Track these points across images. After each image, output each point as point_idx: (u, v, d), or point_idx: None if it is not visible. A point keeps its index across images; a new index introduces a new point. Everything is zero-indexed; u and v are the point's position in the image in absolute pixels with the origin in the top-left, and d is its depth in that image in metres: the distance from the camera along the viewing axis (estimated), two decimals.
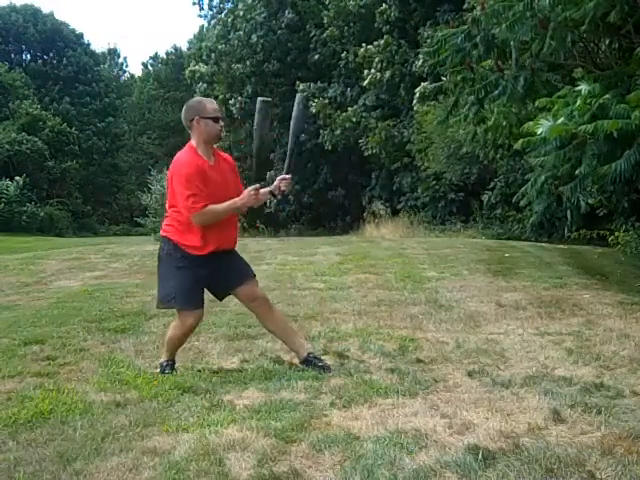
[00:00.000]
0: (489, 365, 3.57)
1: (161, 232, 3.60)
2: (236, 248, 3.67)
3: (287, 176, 3.52)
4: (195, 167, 3.37)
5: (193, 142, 3.47)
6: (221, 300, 3.86)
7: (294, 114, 3.63)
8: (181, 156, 3.46)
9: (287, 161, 3.62)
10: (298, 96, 3.70)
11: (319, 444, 2.44)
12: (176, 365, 3.64)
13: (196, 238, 3.41)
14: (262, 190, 3.46)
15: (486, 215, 15.36)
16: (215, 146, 3.57)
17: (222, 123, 3.50)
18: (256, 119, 3.56)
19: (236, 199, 3.40)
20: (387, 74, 18.59)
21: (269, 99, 3.81)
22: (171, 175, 3.47)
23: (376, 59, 18.81)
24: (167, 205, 3.55)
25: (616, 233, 9.15)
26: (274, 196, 3.57)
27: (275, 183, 3.52)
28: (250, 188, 3.42)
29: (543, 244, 11.00)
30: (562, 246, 10.27)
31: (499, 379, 3.26)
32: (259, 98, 3.68)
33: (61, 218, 31.21)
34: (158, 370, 3.58)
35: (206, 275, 3.49)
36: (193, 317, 3.52)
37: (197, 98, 3.74)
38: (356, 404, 2.92)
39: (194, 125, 3.44)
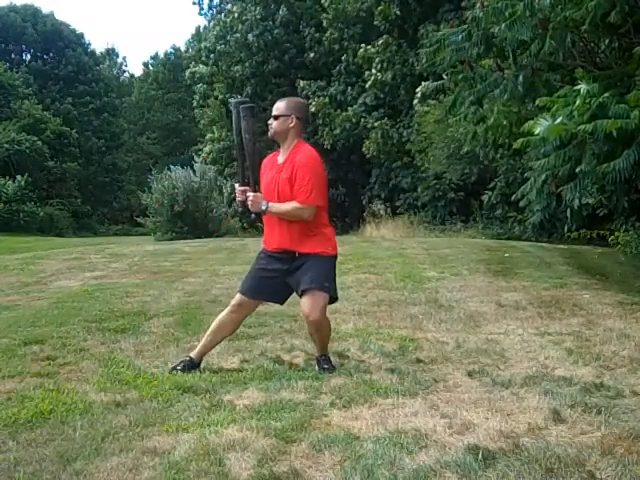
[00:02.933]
0: (489, 365, 3.57)
1: None
2: (310, 254, 3.48)
3: (239, 188, 3.55)
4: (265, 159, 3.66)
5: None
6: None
7: (233, 126, 3.63)
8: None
9: (241, 174, 3.62)
10: (234, 107, 3.62)
11: (319, 444, 2.44)
12: (201, 366, 3.63)
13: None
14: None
15: (486, 215, 15.37)
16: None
17: (270, 121, 3.53)
18: (242, 125, 3.53)
19: None
20: (388, 75, 18.59)
21: (243, 100, 3.82)
22: None
23: (376, 59, 18.81)
24: None
25: (616, 233, 9.15)
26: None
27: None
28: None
29: (543, 244, 11.00)
30: (562, 246, 10.27)
31: (499, 379, 3.26)
32: (233, 101, 3.70)
33: (61, 218, 31.24)
34: (171, 366, 3.61)
35: (267, 268, 3.55)
36: (238, 297, 3.60)
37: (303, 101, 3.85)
38: (356, 404, 2.92)
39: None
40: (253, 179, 3.56)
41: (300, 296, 3.49)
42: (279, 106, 3.53)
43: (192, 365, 3.60)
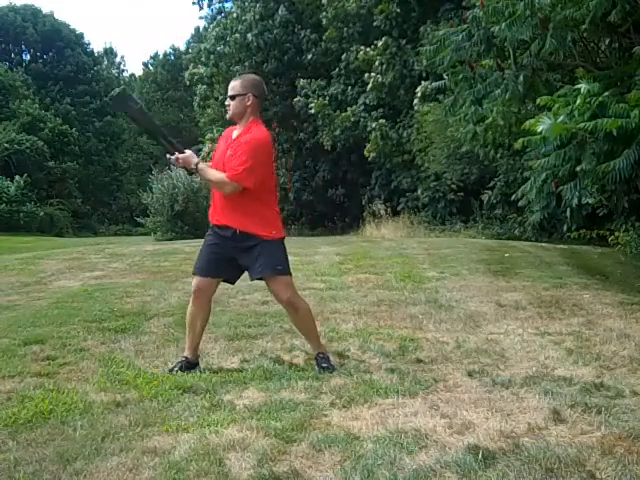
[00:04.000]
0: (489, 365, 3.57)
1: None
2: (257, 239, 3.51)
3: (172, 157, 3.58)
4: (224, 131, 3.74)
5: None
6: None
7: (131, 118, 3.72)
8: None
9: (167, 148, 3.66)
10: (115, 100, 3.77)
11: (319, 444, 2.44)
12: (200, 366, 3.65)
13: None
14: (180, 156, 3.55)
15: (486, 215, 15.36)
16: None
17: (227, 102, 3.58)
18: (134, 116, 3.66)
19: None
20: (389, 76, 18.57)
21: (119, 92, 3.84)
22: None
23: (376, 62, 18.79)
24: None
25: (616, 233, 9.15)
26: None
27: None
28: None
29: (543, 244, 11.00)
30: (562, 246, 10.27)
31: (499, 379, 3.26)
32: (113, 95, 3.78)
33: (61, 218, 31.24)
34: (170, 367, 3.61)
35: (213, 244, 3.58)
36: (194, 281, 3.61)
37: (256, 77, 3.75)
38: (356, 404, 2.92)
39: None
40: (170, 144, 3.61)
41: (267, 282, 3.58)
42: (234, 85, 3.54)
43: (189, 365, 3.61)
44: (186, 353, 3.67)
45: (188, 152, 3.55)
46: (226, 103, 3.58)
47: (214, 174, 3.52)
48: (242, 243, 3.51)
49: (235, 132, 3.60)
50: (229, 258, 3.56)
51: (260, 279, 3.59)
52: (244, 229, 3.50)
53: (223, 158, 3.55)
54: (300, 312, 3.62)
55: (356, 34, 20.56)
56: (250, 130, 3.51)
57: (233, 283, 3.86)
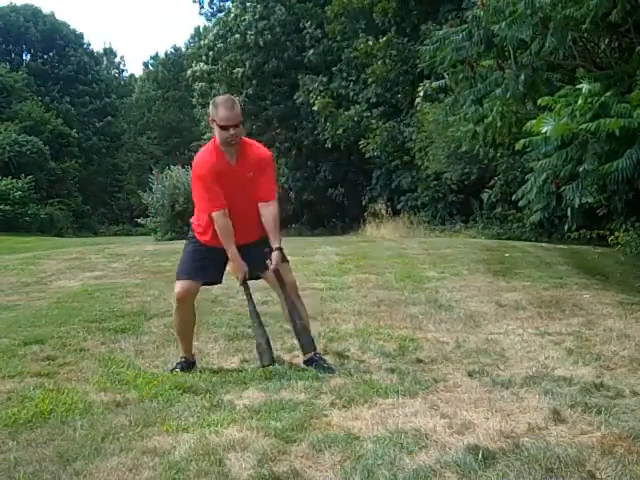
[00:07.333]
0: (489, 365, 3.57)
1: None
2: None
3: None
4: (208, 168, 3.39)
5: (217, 140, 3.48)
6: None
7: None
8: (199, 155, 3.50)
9: None
10: None
11: (319, 444, 2.44)
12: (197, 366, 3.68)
13: (208, 233, 3.52)
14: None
15: (486, 215, 15.35)
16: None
17: (232, 131, 3.35)
18: None
19: (233, 257, 3.48)
20: (391, 73, 18.57)
21: None
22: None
23: (378, 54, 18.79)
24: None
25: (616, 233, 9.15)
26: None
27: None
28: (243, 271, 3.50)
29: (543, 244, 11.00)
30: (562, 246, 10.26)
31: (499, 379, 3.26)
32: None
33: (61, 218, 31.23)
34: (170, 367, 3.62)
35: (209, 255, 3.53)
36: (180, 285, 3.56)
37: (219, 98, 3.53)
38: (356, 404, 2.92)
39: (212, 124, 3.46)
40: None
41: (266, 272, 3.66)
42: (239, 113, 3.41)
43: (188, 365, 3.63)
44: (185, 354, 3.68)
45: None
46: (232, 132, 3.33)
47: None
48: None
49: (231, 156, 3.43)
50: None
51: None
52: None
53: (242, 183, 3.44)
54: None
55: (359, 31, 20.55)
56: (256, 147, 3.55)
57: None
